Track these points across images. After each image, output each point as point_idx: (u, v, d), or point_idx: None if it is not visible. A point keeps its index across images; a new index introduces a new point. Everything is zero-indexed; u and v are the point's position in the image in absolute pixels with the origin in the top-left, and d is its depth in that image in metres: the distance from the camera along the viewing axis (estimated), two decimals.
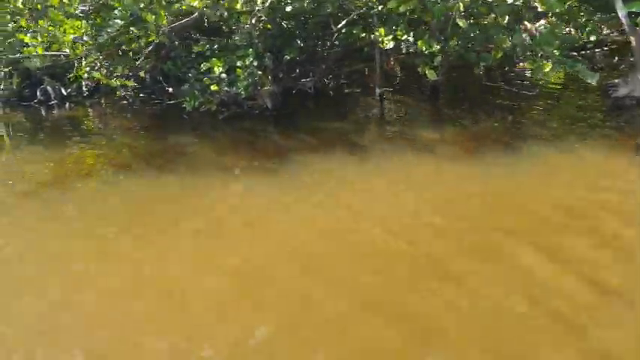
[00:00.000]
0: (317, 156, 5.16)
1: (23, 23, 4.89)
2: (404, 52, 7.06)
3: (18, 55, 5.87)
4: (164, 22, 4.56)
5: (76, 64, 7.83)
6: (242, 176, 4.91)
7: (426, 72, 5.18)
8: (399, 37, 5.00)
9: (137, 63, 5.34)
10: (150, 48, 5.00)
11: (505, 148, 5.09)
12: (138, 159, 5.34)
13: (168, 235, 3.81)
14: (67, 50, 4.89)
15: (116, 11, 5.15)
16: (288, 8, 5.38)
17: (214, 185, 4.65)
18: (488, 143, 5.26)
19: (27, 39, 5.21)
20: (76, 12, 5.02)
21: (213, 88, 5.66)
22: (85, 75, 7.78)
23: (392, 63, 8.26)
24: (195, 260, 3.48)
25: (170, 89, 7.17)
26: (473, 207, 3.96)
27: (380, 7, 5.38)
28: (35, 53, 5.16)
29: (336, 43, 6.43)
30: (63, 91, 8.06)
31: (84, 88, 7.92)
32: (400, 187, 4.46)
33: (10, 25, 5.87)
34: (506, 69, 6.78)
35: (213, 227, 3.93)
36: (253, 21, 5.06)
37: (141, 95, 7.77)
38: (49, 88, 8.02)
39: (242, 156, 5.34)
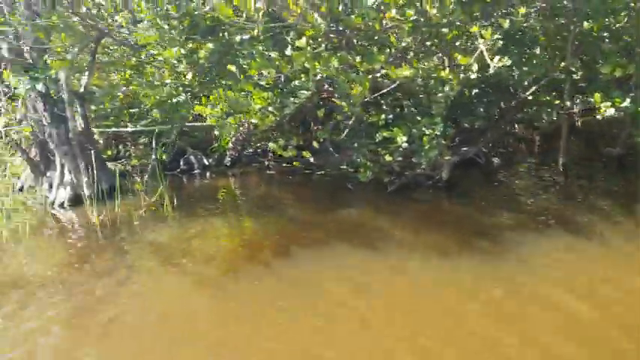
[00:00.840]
0: (517, 235, 4.56)
1: (221, 92, 4.79)
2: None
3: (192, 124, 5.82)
4: (365, 93, 4.28)
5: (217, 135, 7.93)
6: (436, 255, 4.35)
7: None
8: (617, 103, 4.45)
9: (338, 133, 5.08)
10: (352, 120, 4.72)
11: None
12: (315, 233, 4.94)
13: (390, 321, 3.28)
14: (255, 120, 4.70)
15: (296, 82, 4.97)
16: (473, 76, 4.99)
17: (414, 266, 4.14)
18: None
19: (208, 110, 5.12)
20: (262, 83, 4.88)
21: (387, 158, 5.29)
22: (230, 145, 7.85)
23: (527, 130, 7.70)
24: None
25: (312, 159, 6.96)
26: None
27: (579, 72, 4.89)
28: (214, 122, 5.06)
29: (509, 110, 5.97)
30: (205, 160, 8.07)
31: (228, 158, 7.87)
32: None
33: (182, 96, 5.88)
34: None
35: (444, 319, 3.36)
36: (447, 89, 4.71)
37: (283, 165, 7.61)
38: (192, 157, 8.06)
39: (426, 231, 4.83)
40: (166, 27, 5.13)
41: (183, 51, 5.29)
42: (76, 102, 6.85)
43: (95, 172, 6.90)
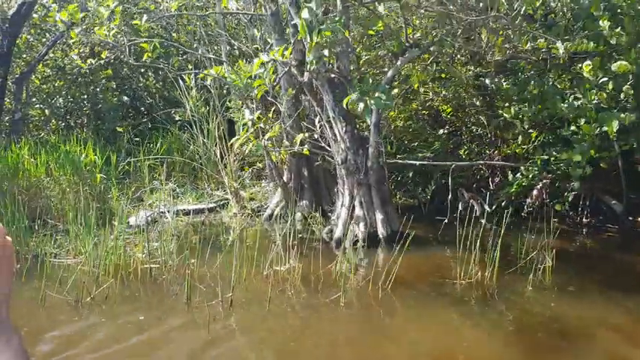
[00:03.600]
0: None
1: None
2: None
3: None
4: None
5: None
6: None
7: None
8: None
9: None
10: None
11: None
12: None
13: None
14: None
15: None
16: None
17: None
18: None
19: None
20: None
21: None
22: (535, 191, 6.48)
23: None
24: None
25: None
26: None
27: None
28: None
29: None
30: (486, 207, 6.74)
31: (526, 208, 6.49)
32: None
33: None
34: None
35: None
36: None
37: (586, 221, 6.11)
38: (473, 202, 6.77)
39: None
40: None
41: None
42: (374, 125, 5.82)
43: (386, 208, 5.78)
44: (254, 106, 6.84)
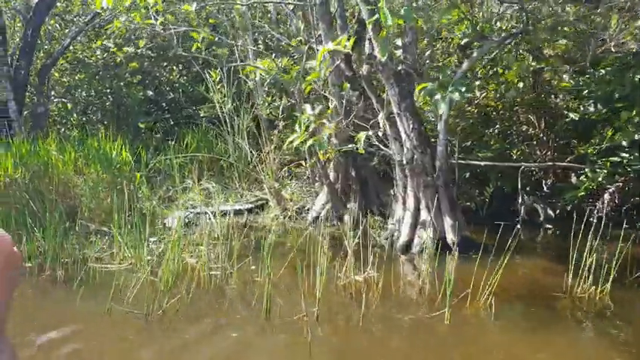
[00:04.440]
0: None
1: None
2: None
3: None
4: None
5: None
6: None
7: None
8: None
9: None
10: None
11: None
12: None
13: None
14: None
15: None
16: None
17: None
18: None
19: None
20: None
21: None
22: (607, 196, 6.09)
23: None
24: None
25: None
26: None
27: None
28: None
29: None
30: (549, 211, 6.37)
31: (597, 213, 6.08)
32: None
33: None
34: None
35: None
36: None
37: None
38: (536, 206, 6.38)
39: None
40: None
41: None
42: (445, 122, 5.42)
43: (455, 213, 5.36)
44: (296, 100, 6.44)
